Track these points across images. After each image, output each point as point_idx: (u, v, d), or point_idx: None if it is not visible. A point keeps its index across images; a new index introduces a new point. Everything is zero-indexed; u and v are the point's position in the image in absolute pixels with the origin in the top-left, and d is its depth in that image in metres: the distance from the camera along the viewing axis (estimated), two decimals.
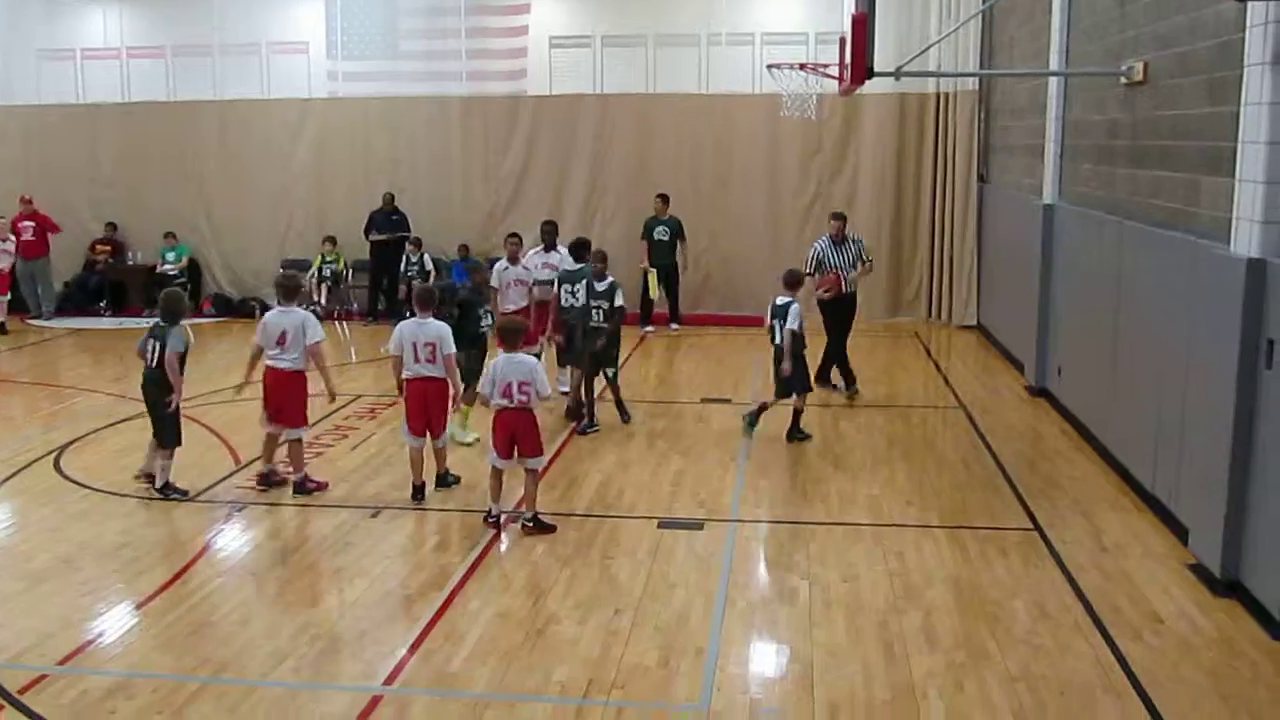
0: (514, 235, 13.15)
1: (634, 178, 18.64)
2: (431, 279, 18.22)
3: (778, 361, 11.33)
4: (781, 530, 9.06)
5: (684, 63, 18.73)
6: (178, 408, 9.65)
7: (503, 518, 9.04)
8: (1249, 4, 7.18)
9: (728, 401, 12.99)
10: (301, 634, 7.16)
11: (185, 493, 9.76)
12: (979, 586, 7.82)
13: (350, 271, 19.52)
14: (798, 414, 11.43)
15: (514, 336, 8.97)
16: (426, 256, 18.37)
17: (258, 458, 10.48)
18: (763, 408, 11.55)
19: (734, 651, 6.89)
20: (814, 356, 12.44)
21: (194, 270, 20.16)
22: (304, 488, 9.87)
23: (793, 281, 11.49)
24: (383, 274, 18.78)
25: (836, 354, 13.40)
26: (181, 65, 20.23)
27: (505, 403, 8.82)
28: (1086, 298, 11.35)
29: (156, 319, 9.74)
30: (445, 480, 10.01)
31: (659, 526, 9.02)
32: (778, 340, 11.31)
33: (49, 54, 20.63)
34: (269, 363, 9.89)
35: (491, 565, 8.36)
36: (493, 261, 13.90)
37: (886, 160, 18.15)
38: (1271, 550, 7.01)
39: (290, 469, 10.08)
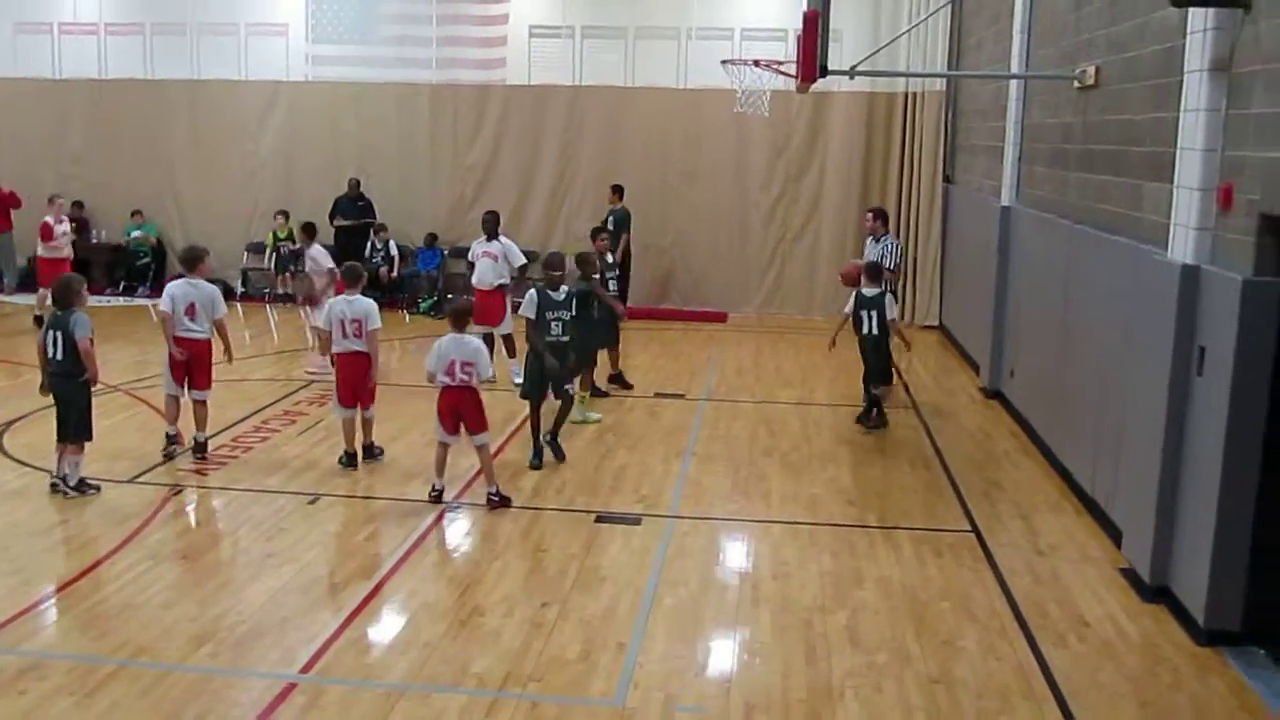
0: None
1: (602, 170, 18.56)
2: (395, 265, 18.20)
3: (867, 351, 11.66)
4: (719, 527, 9.04)
5: (663, 56, 18.66)
6: (89, 401, 9.33)
7: (444, 493, 9.29)
8: (1189, 10, 7.17)
9: (680, 397, 12.96)
10: (224, 619, 7.11)
11: (97, 488, 9.40)
12: (909, 587, 7.81)
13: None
14: (879, 402, 11.86)
15: (461, 318, 9.28)
16: (392, 243, 18.30)
17: (200, 444, 10.45)
18: (875, 401, 11.91)
19: (656, 648, 6.85)
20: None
21: (158, 250, 20.02)
22: (203, 449, 10.45)
23: (875, 273, 11.81)
24: (347, 259, 18.61)
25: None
26: (160, 43, 20.06)
27: (448, 381, 9.08)
28: (1038, 301, 11.37)
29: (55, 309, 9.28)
30: (372, 452, 10.40)
31: (596, 520, 8.98)
32: (865, 330, 11.66)
33: (26, 26, 20.45)
34: (180, 333, 10.26)
35: (424, 555, 8.32)
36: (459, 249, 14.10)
37: (854, 159, 18.14)
38: (1198, 555, 7.01)
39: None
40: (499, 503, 9.19)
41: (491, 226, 13.53)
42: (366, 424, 10.37)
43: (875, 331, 11.60)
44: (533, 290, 10.66)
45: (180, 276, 10.52)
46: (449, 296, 18.34)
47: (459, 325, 9.24)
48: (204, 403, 10.48)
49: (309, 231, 14.52)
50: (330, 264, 13.62)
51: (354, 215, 18.57)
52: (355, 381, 10.12)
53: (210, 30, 19.86)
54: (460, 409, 9.18)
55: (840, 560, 8.27)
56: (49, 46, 20.41)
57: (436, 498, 9.25)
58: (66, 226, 16.42)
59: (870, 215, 13.79)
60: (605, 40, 18.86)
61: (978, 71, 15.32)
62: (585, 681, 6.42)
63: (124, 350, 14.69)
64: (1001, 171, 13.11)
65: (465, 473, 9.92)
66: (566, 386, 10.68)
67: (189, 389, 10.43)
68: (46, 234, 15.96)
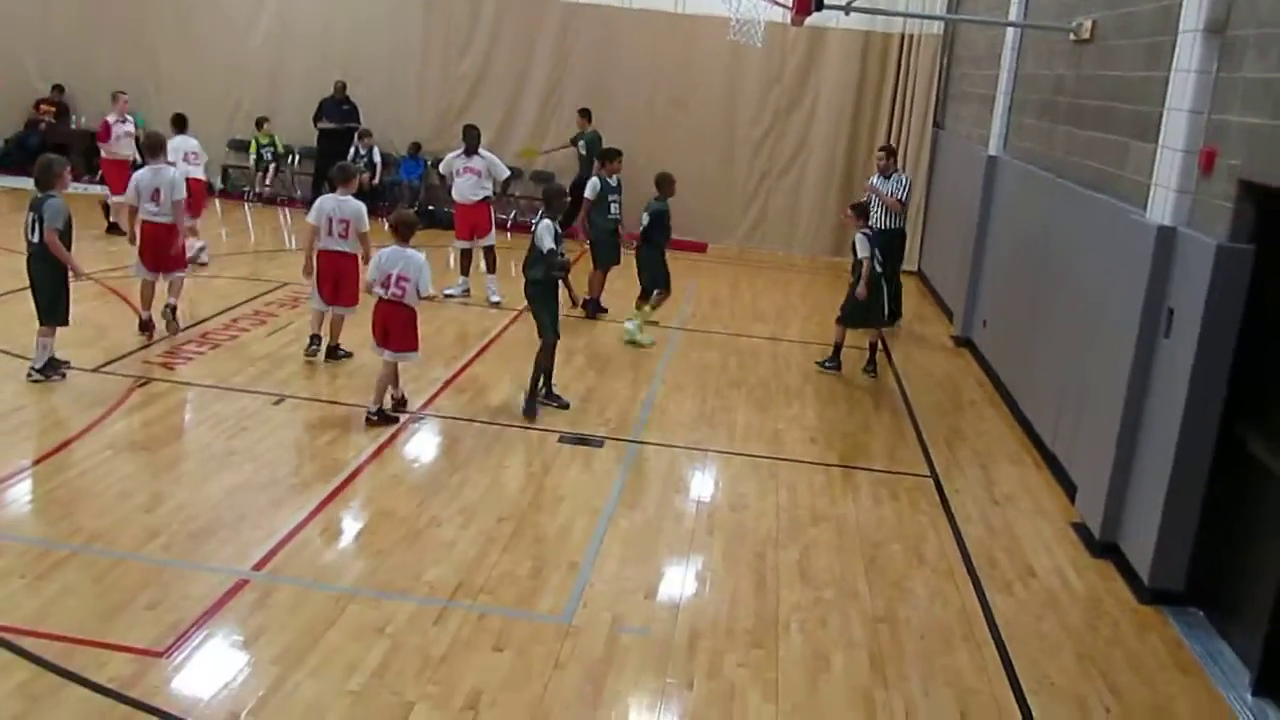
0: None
1: (591, 91, 18.35)
2: (378, 172, 18.02)
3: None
4: (680, 455, 9.08)
5: None
6: (66, 285, 9.23)
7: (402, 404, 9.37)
8: None
9: (654, 324, 12.93)
10: (180, 512, 7.13)
11: (64, 375, 9.37)
12: (862, 527, 7.89)
13: (295, 157, 19.22)
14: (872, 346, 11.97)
15: (406, 229, 9.06)
16: (375, 149, 18.09)
17: (168, 336, 10.44)
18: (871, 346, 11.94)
19: (608, 569, 6.91)
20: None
21: (138, 139, 19.71)
22: (174, 318, 10.90)
23: (863, 213, 11.99)
24: (329, 162, 18.38)
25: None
26: None
27: (382, 293, 8.95)
28: (1015, 252, 11.39)
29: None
30: (336, 353, 10.52)
31: (559, 440, 9.01)
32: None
33: None
34: (146, 218, 10.61)
35: (385, 464, 8.34)
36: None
37: (845, 97, 17.99)
38: (1148, 515, 7.10)
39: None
40: (378, 420, 8.95)
41: (474, 141, 13.42)
42: (336, 324, 10.42)
43: (878, 270, 11.60)
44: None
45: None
46: (429, 208, 18.24)
47: (402, 237, 9.00)
48: (179, 281, 10.96)
49: (178, 124, 14.22)
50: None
51: (338, 118, 18.35)
52: (337, 280, 10.15)
53: None
54: (387, 323, 8.96)
55: (798, 496, 8.34)
56: None
57: (400, 402, 9.33)
58: (130, 126, 15.65)
59: (882, 153, 14.02)
60: None
61: (975, 17, 15.17)
62: (535, 597, 6.48)
63: (98, 240, 14.54)
64: (991, 121, 13.04)
65: (431, 384, 9.93)
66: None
67: (161, 273, 10.78)
68: (104, 134, 15.22)
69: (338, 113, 18.37)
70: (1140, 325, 7.34)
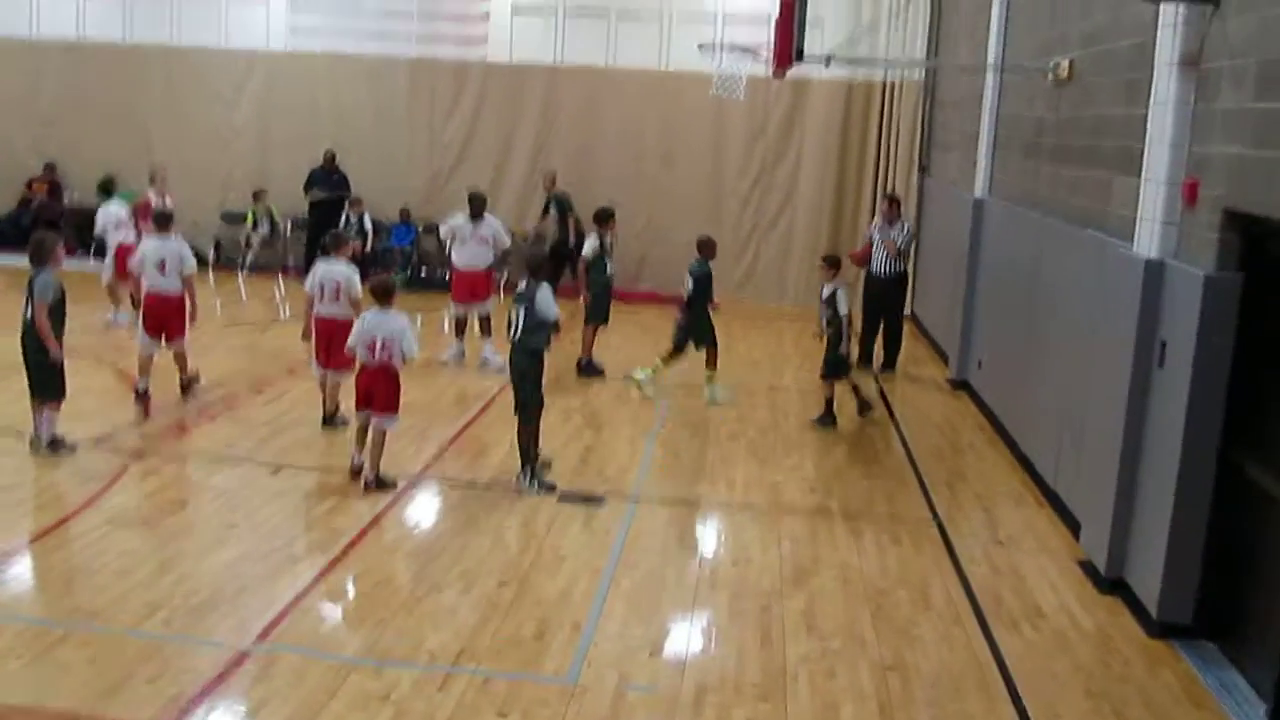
0: None
1: (578, 151, 18.50)
2: (370, 240, 18.08)
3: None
4: (681, 510, 9.04)
5: (645, 38, 18.56)
6: (60, 360, 9.24)
7: (365, 467, 9.07)
8: (1160, 5, 7.19)
9: (642, 378, 12.92)
10: (180, 586, 7.08)
11: (73, 447, 9.40)
12: (867, 575, 7.84)
13: (288, 225, 19.30)
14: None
15: (386, 294, 9.02)
16: (366, 216, 18.16)
17: (167, 407, 10.48)
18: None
19: (612, 628, 6.85)
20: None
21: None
22: (190, 388, 11.22)
23: (835, 264, 11.87)
24: (321, 232, 18.46)
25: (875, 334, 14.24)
26: (140, 7, 19.84)
27: (368, 358, 8.93)
28: (1007, 292, 11.42)
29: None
30: (333, 420, 10.41)
31: (559, 500, 8.97)
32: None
33: None
34: (151, 289, 10.97)
35: (384, 530, 8.30)
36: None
37: (830, 148, 18.11)
38: (1153, 549, 7.06)
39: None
40: (375, 487, 8.89)
41: (480, 207, 13.34)
42: (334, 388, 10.40)
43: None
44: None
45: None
46: (422, 272, 18.31)
47: (383, 301, 8.99)
48: (183, 351, 11.17)
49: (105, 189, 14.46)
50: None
51: (328, 188, 18.41)
52: (331, 345, 10.09)
53: None
54: (372, 388, 8.94)
55: (800, 546, 8.30)
56: (26, 6, 20.17)
57: (357, 472, 9.07)
58: (169, 201, 15.17)
59: (887, 202, 14.27)
60: (587, 20, 18.76)
61: (954, 62, 15.35)
62: (539, 660, 6.42)
63: (93, 314, 14.54)
64: (976, 164, 13.14)
65: (430, 451, 9.92)
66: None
67: (165, 341, 10.96)
68: (146, 212, 14.45)
69: (328, 182, 18.46)
70: (1134, 358, 7.35)
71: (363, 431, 9.12)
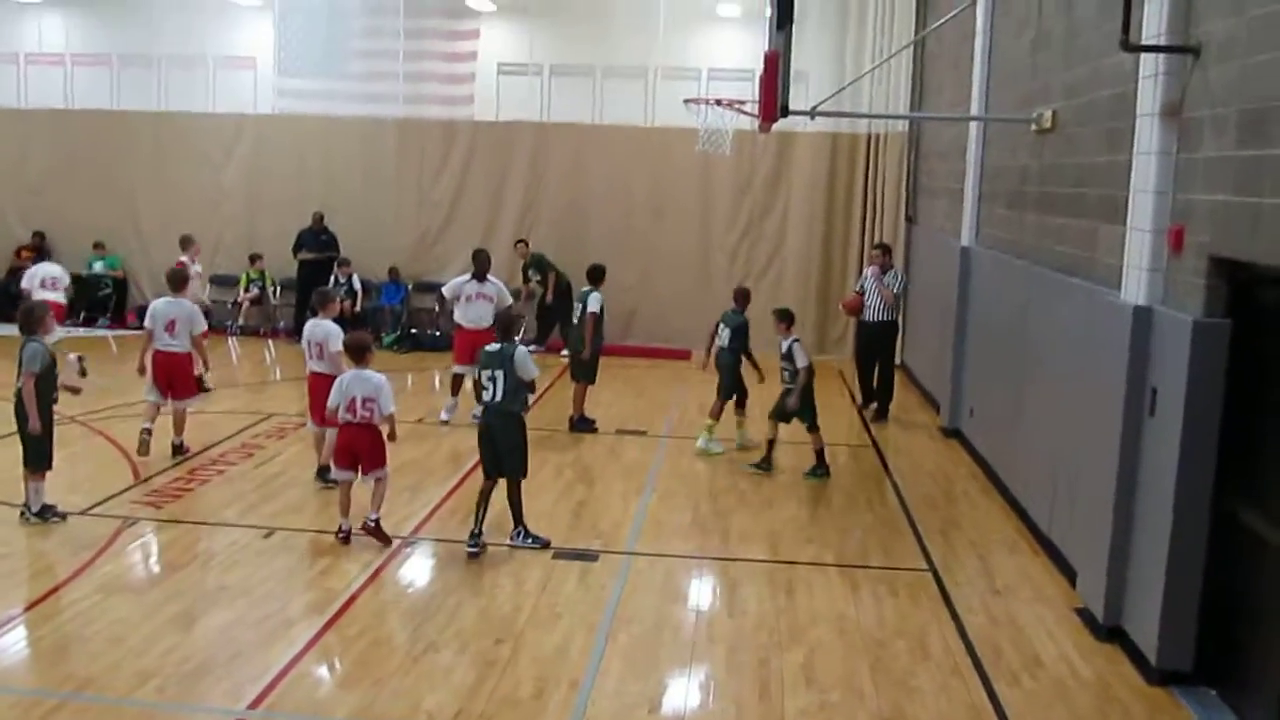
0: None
1: (567, 207, 18.66)
2: (359, 300, 18.12)
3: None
4: (676, 564, 9.00)
5: (630, 94, 18.76)
6: (49, 429, 9.24)
7: (350, 531, 9.11)
8: (1141, 55, 7.29)
9: (642, 434, 12.93)
10: (173, 653, 7.02)
11: (63, 516, 9.38)
12: (864, 626, 7.80)
13: (278, 289, 19.34)
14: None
15: (361, 353, 9.18)
16: (355, 277, 18.22)
17: (157, 474, 10.46)
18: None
19: (609, 685, 6.80)
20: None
21: (120, 282, 19.92)
22: (181, 449, 11.43)
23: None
24: (310, 293, 18.53)
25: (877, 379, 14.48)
26: (128, 75, 20.01)
27: (349, 417, 8.99)
28: (996, 340, 11.46)
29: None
30: (324, 475, 10.27)
31: (553, 557, 8.93)
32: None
33: None
34: (160, 347, 11.30)
35: (378, 591, 8.24)
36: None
37: (817, 199, 18.29)
38: (1149, 595, 7.04)
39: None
40: (374, 530, 9.00)
41: (485, 266, 13.34)
42: (324, 442, 10.35)
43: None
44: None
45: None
46: (412, 331, 18.34)
47: (360, 360, 9.14)
48: (184, 410, 11.50)
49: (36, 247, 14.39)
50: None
51: (317, 249, 18.51)
52: (316, 399, 10.21)
53: (178, 63, 19.81)
54: (355, 446, 9.02)
55: (797, 598, 8.26)
56: (14, 76, 20.32)
57: (344, 538, 9.05)
58: (198, 268, 15.75)
59: (880, 251, 14.68)
60: (573, 79, 18.95)
61: (937, 114, 15.53)
62: (537, 719, 6.37)
63: (84, 381, 14.49)
64: (961, 213, 13.24)
65: (421, 509, 9.89)
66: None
67: (171, 399, 11.39)
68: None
69: (316, 243, 18.55)
70: (1125, 405, 7.36)
71: (347, 496, 9.14)
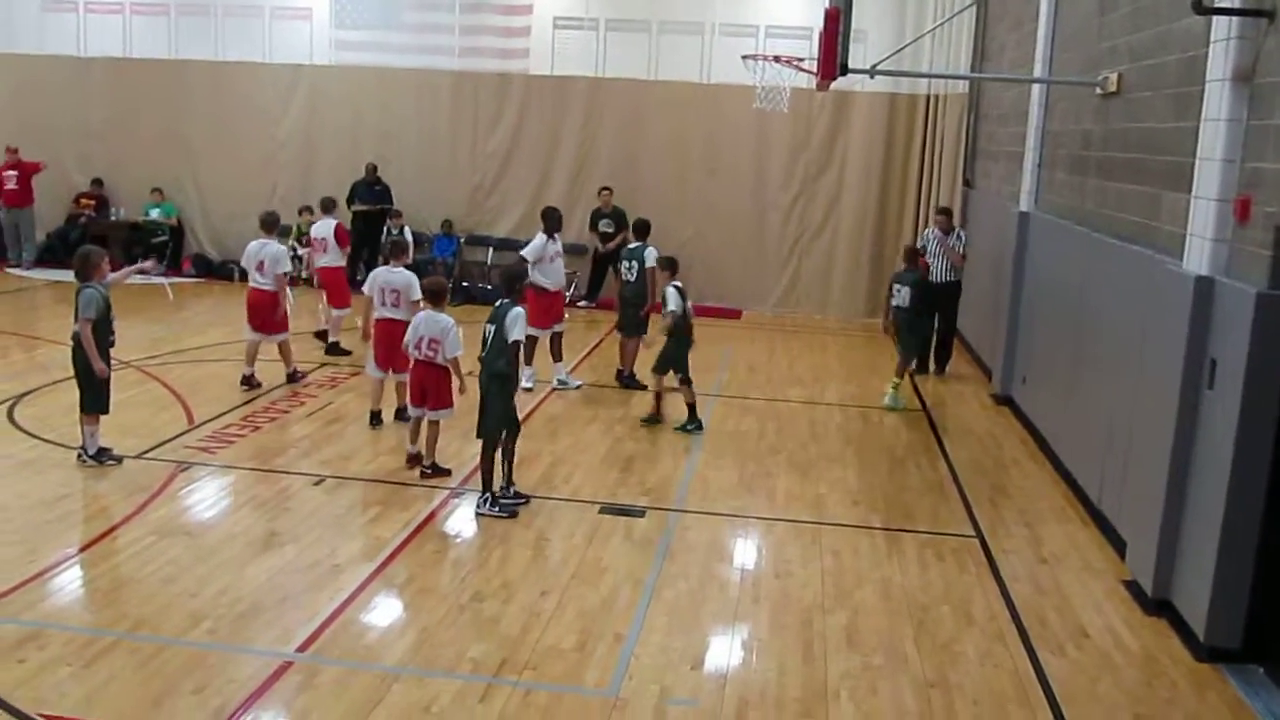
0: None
1: (621, 163, 18.58)
2: (410, 251, 18.12)
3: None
4: (723, 523, 9.01)
5: (687, 51, 18.62)
6: (106, 375, 9.37)
7: (420, 454, 9.70)
8: (1214, 19, 7.12)
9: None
10: (223, 596, 7.13)
11: (119, 459, 9.55)
12: (909, 590, 7.78)
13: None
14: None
15: (436, 296, 9.45)
16: (407, 229, 18.24)
17: (210, 419, 10.61)
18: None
19: (653, 640, 6.84)
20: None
21: (176, 230, 20.12)
22: (295, 378, 12.43)
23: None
24: (364, 244, 18.63)
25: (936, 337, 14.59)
26: (185, 24, 20.12)
27: (418, 355, 9.44)
28: (1052, 308, 11.31)
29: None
30: (403, 415, 10.65)
31: (600, 511, 8.98)
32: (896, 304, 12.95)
33: (52, 4, 20.53)
34: (252, 285, 12.19)
35: (426, 540, 8.32)
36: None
37: (873, 160, 18.09)
38: (1200, 570, 6.97)
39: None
40: (431, 474, 9.51)
41: (557, 224, 12.95)
42: (400, 388, 10.75)
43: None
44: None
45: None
46: (464, 284, 18.39)
47: (434, 302, 9.43)
48: (284, 343, 12.36)
49: (326, 206, 14.65)
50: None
51: (370, 200, 18.55)
52: (391, 347, 10.42)
53: (235, 12, 19.90)
54: (424, 383, 9.47)
55: (843, 560, 8.25)
56: (75, 24, 20.49)
57: (412, 459, 9.72)
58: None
59: (943, 214, 14.86)
60: (629, 34, 18.84)
61: (1000, 75, 15.27)
62: (580, 671, 6.42)
63: (138, 327, 14.70)
64: (1021, 177, 13.04)
65: (472, 460, 9.94)
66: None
67: (264, 335, 12.21)
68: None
69: (370, 194, 18.60)
70: (1183, 377, 7.25)
71: (418, 425, 9.73)
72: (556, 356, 12.95)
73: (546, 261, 12.66)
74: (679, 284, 11.57)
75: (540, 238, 12.75)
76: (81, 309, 9.14)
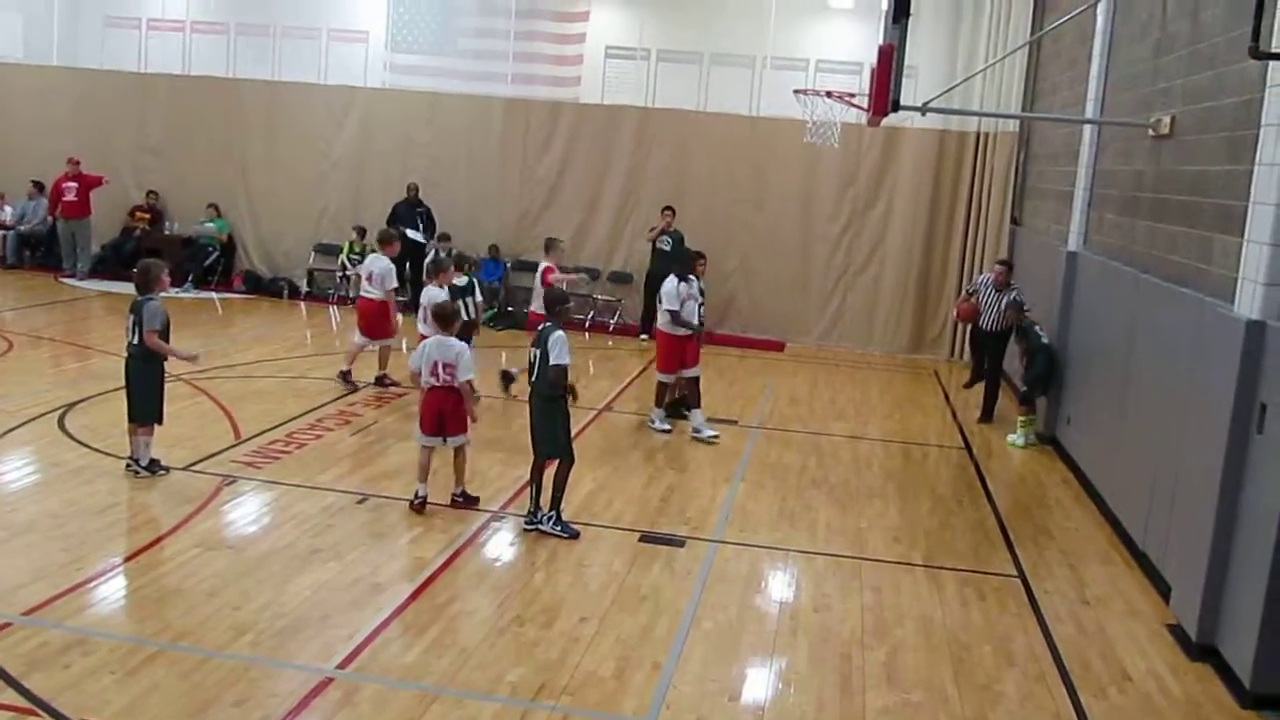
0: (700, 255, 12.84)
1: (668, 192, 18.64)
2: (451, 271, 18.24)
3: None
4: (762, 554, 9.00)
5: (737, 83, 18.77)
6: (161, 385, 9.57)
7: (426, 499, 9.31)
8: (1270, 63, 7.09)
9: (733, 423, 12.92)
10: (266, 610, 7.20)
11: (168, 470, 9.70)
12: (950, 628, 7.73)
13: None
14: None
15: (446, 320, 9.42)
16: (452, 251, 18.40)
17: (256, 434, 10.75)
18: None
19: (691, 669, 6.83)
20: None
21: (227, 246, 20.40)
22: (383, 382, 13.37)
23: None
24: (404, 263, 18.76)
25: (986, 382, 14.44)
26: (243, 44, 20.53)
27: (433, 381, 9.20)
28: (1099, 348, 11.25)
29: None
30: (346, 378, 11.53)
31: (640, 540, 8.99)
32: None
33: (115, 20, 20.97)
34: (363, 294, 13.41)
35: (466, 562, 8.36)
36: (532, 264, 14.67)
37: (921, 195, 18.08)
38: (1248, 616, 6.89)
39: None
40: (463, 503, 9.38)
41: (692, 267, 12.40)
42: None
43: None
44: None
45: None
46: (509, 308, 18.52)
47: (445, 327, 9.38)
48: (385, 347, 13.46)
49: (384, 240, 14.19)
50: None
51: (411, 221, 18.64)
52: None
53: (292, 33, 20.25)
54: (442, 408, 9.24)
55: (883, 596, 8.22)
56: (136, 41, 20.90)
57: (420, 505, 9.23)
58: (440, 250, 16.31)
59: (1001, 266, 14.24)
60: (679, 65, 18.99)
61: (1052, 115, 15.23)
62: (618, 699, 6.42)
63: (187, 341, 14.79)
64: (1070, 216, 13.00)
65: (512, 484, 9.99)
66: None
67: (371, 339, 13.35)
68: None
69: (411, 215, 18.74)
70: (1232, 421, 7.19)
71: (428, 461, 9.33)
72: (694, 402, 12.35)
73: (685, 304, 12.12)
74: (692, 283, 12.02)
75: (673, 280, 12.14)
76: (148, 320, 9.33)
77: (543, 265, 13.43)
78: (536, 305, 12.77)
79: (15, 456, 10.05)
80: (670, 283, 12.13)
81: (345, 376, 13.24)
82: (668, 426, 12.32)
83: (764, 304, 18.57)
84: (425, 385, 9.25)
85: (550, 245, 13.89)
